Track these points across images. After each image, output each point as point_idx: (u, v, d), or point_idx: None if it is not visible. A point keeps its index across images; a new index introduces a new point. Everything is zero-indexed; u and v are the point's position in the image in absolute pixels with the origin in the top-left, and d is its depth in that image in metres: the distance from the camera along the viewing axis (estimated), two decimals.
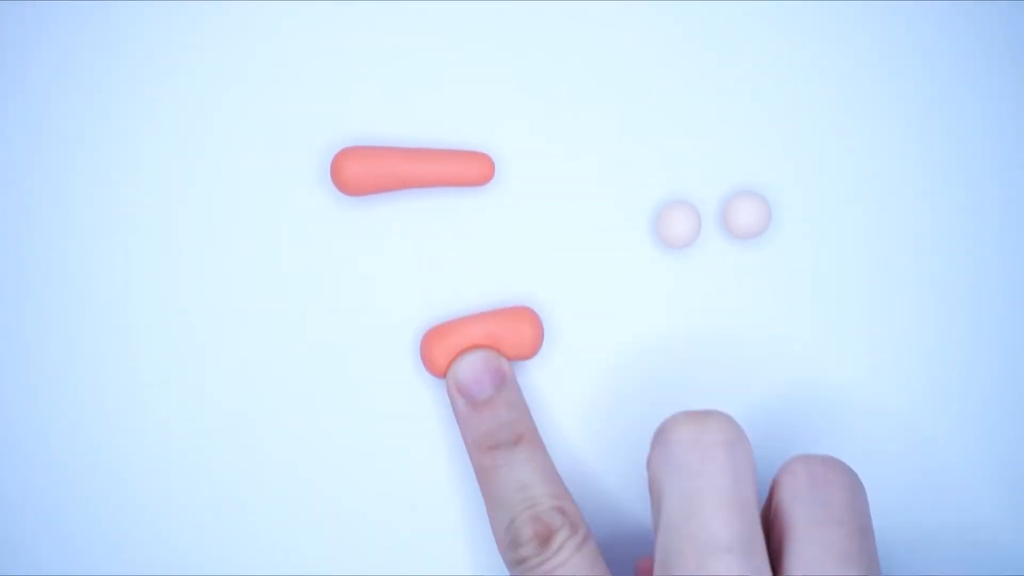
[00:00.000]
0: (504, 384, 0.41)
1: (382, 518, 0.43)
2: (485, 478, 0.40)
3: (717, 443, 0.35)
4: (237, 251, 0.43)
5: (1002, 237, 0.44)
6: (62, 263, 0.43)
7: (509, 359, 0.42)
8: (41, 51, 0.43)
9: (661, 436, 0.36)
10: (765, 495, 0.43)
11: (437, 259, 0.43)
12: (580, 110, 0.44)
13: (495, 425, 0.40)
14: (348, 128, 0.43)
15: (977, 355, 0.43)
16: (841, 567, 0.34)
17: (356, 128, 0.43)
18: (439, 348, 0.41)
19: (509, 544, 0.38)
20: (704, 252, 0.43)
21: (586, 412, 0.43)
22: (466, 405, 0.41)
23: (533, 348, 0.41)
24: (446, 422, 0.43)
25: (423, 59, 0.44)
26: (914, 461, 0.43)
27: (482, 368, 0.41)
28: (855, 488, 0.36)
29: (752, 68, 0.44)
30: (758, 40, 0.44)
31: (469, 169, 0.42)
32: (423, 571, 0.42)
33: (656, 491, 0.36)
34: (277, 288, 0.43)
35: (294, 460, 0.43)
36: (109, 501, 0.42)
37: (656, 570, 0.35)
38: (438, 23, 0.44)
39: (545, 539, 0.38)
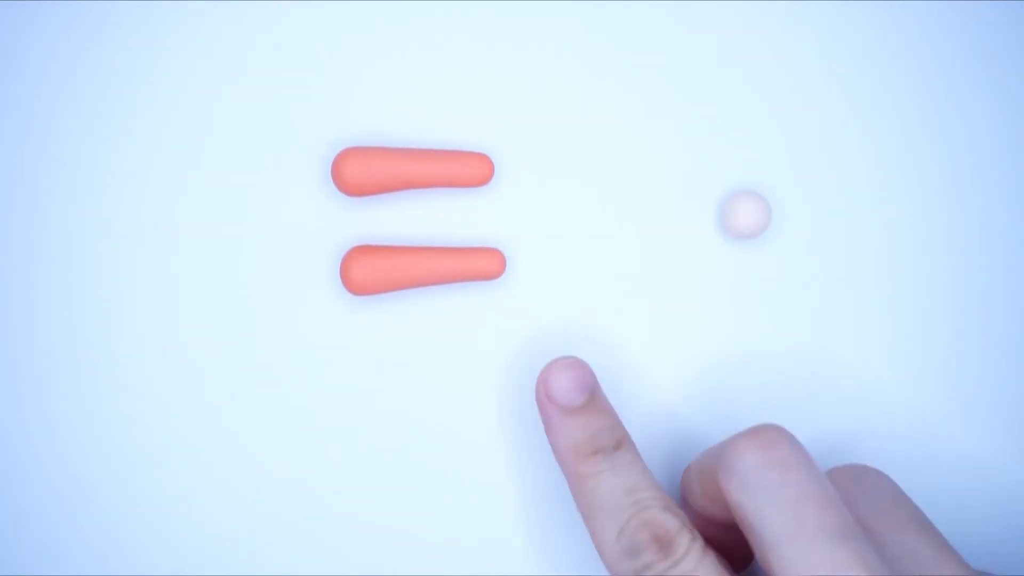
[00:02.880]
0: (596, 390, 0.40)
1: (379, 522, 0.43)
2: (585, 487, 0.38)
3: (790, 455, 0.35)
4: (237, 253, 0.43)
5: (1004, 237, 0.44)
6: (59, 265, 0.43)
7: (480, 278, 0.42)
8: (41, 50, 0.43)
9: (730, 466, 0.35)
10: None
11: None
12: (580, 110, 0.44)
13: (594, 431, 0.39)
14: (348, 128, 0.43)
15: (981, 354, 0.43)
16: (937, 548, 0.36)
17: (356, 128, 0.43)
18: (357, 266, 0.41)
19: (624, 553, 0.37)
20: (704, 252, 0.44)
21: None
22: (560, 412, 0.39)
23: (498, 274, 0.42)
24: (446, 426, 0.43)
25: (423, 59, 0.44)
26: (919, 456, 0.43)
27: (575, 375, 0.39)
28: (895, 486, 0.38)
29: (753, 67, 0.44)
30: (759, 39, 0.44)
31: (469, 169, 0.42)
32: (422, 571, 0.43)
33: (746, 517, 0.35)
34: (277, 289, 0.43)
35: (291, 461, 0.43)
36: (105, 502, 0.43)
37: None
38: (438, 23, 0.44)
39: (665, 543, 0.36)
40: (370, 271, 0.42)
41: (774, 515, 0.34)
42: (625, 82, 0.44)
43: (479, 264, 0.42)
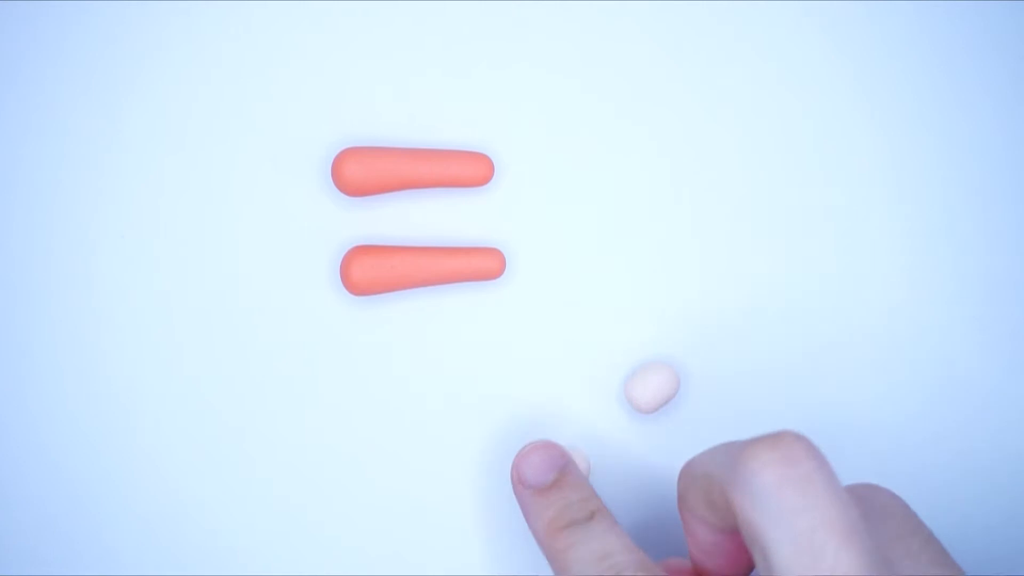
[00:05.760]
0: (567, 467, 0.39)
1: (378, 524, 0.43)
2: (561, 560, 0.37)
3: (812, 472, 0.32)
4: (237, 253, 0.43)
5: (1004, 237, 0.44)
6: (59, 265, 0.43)
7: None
8: (40, 50, 0.43)
9: (744, 481, 0.32)
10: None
11: None
12: (580, 110, 0.44)
13: (564, 504, 0.38)
14: (348, 128, 0.43)
15: (982, 357, 0.43)
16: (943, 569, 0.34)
17: (356, 128, 0.43)
18: (357, 266, 0.41)
19: None
20: (704, 251, 0.44)
21: (580, 408, 0.43)
22: (532, 494, 0.39)
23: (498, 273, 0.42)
24: (445, 426, 0.43)
25: (423, 59, 0.44)
26: (914, 460, 0.43)
27: (543, 454, 0.40)
28: (906, 505, 0.36)
29: (755, 66, 0.44)
30: (761, 38, 0.44)
31: (469, 169, 0.42)
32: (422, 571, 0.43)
33: (758, 540, 0.32)
34: (277, 289, 0.43)
35: (290, 461, 0.43)
36: (105, 501, 0.43)
37: None
38: (438, 23, 0.44)
39: None
40: (370, 271, 0.42)
41: (788, 545, 0.31)
42: (625, 81, 0.44)
43: (479, 264, 0.42)
